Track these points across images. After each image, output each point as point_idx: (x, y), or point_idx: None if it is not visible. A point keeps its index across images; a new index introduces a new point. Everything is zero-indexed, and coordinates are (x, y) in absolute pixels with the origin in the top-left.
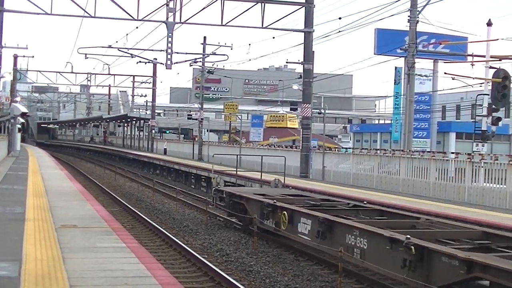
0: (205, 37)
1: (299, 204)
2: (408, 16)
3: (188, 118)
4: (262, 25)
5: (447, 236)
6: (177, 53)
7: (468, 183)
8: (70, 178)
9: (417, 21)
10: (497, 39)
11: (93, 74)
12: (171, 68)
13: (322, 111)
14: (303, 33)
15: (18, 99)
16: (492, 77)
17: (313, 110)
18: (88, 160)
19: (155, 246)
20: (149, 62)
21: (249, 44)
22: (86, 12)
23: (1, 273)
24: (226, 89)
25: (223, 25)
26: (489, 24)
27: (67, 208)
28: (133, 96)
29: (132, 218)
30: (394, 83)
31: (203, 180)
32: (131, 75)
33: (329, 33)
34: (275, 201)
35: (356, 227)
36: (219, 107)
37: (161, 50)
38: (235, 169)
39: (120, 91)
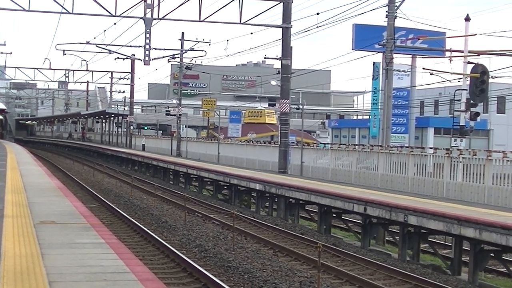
0: (183, 33)
1: None
2: (386, 11)
3: (166, 114)
4: (240, 21)
5: None
6: (155, 49)
7: (447, 178)
8: (49, 174)
9: (395, 16)
10: (475, 34)
11: (71, 70)
12: (149, 64)
13: (300, 106)
14: (281, 29)
15: None
16: (471, 72)
17: (291, 106)
18: (66, 156)
19: (133, 242)
20: (127, 58)
21: (227, 40)
22: (64, 9)
23: None
24: (204, 85)
25: (201, 21)
26: (467, 19)
27: (45, 204)
28: (111, 92)
29: (111, 214)
30: (372, 78)
31: (182, 176)
32: (109, 71)
33: (308, 29)
34: None
35: None
36: (197, 103)
37: (139, 46)
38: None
39: (98, 87)
